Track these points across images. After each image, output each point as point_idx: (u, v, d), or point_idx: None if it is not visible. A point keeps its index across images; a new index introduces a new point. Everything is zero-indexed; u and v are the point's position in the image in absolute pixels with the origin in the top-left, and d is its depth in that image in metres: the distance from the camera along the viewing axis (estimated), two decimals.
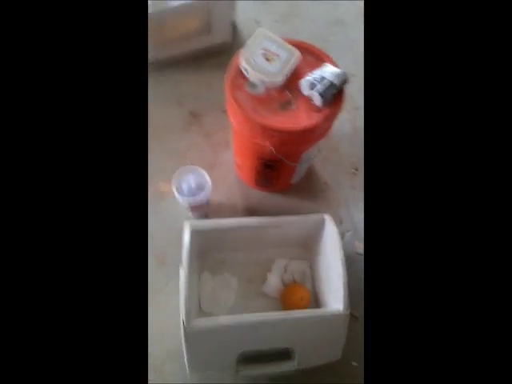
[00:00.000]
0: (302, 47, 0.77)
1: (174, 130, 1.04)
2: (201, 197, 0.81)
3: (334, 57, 1.28)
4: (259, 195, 0.97)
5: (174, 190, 0.82)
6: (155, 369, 0.78)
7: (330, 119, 0.73)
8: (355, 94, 1.11)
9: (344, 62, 1.25)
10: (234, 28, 1.20)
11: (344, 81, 0.72)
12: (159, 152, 1.00)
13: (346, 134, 1.06)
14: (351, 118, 1.08)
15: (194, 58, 1.15)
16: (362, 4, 1.31)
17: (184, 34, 1.11)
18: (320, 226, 0.78)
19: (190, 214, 0.90)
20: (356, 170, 1.02)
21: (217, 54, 1.16)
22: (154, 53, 1.09)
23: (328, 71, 0.72)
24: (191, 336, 0.64)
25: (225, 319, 0.65)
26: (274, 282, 0.82)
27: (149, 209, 0.92)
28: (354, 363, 0.80)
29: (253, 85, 0.75)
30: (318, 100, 0.71)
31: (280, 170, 0.85)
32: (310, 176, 1.00)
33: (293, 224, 0.78)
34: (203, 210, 0.89)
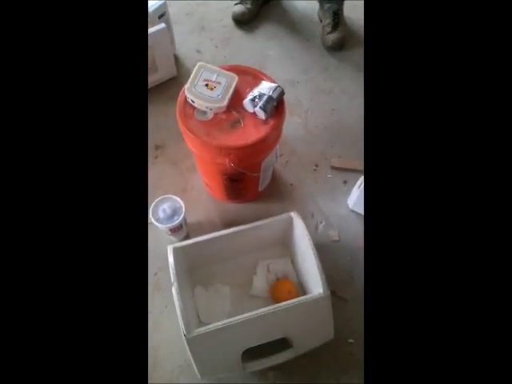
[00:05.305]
0: (238, 70, 0.86)
1: None
2: (178, 220, 0.89)
3: (275, 68, 1.41)
4: (234, 208, 1.04)
5: (153, 220, 0.89)
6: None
7: (276, 129, 0.82)
8: (303, 98, 1.21)
9: (286, 70, 1.36)
10: (177, 61, 1.28)
11: (280, 93, 0.81)
12: None
13: (301, 136, 1.15)
14: (302, 121, 1.18)
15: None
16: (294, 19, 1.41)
17: None
18: (290, 224, 0.86)
19: (171, 237, 0.97)
20: (316, 166, 1.11)
21: (166, 86, 1.25)
22: None
23: (265, 87, 0.80)
24: (193, 343, 0.70)
25: (221, 322, 0.71)
26: (259, 283, 0.89)
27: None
28: (351, 340, 0.88)
29: (202, 112, 0.83)
30: (261, 114, 0.80)
31: (246, 182, 0.93)
32: (276, 181, 1.08)
33: (266, 227, 0.86)
34: (183, 232, 0.97)
